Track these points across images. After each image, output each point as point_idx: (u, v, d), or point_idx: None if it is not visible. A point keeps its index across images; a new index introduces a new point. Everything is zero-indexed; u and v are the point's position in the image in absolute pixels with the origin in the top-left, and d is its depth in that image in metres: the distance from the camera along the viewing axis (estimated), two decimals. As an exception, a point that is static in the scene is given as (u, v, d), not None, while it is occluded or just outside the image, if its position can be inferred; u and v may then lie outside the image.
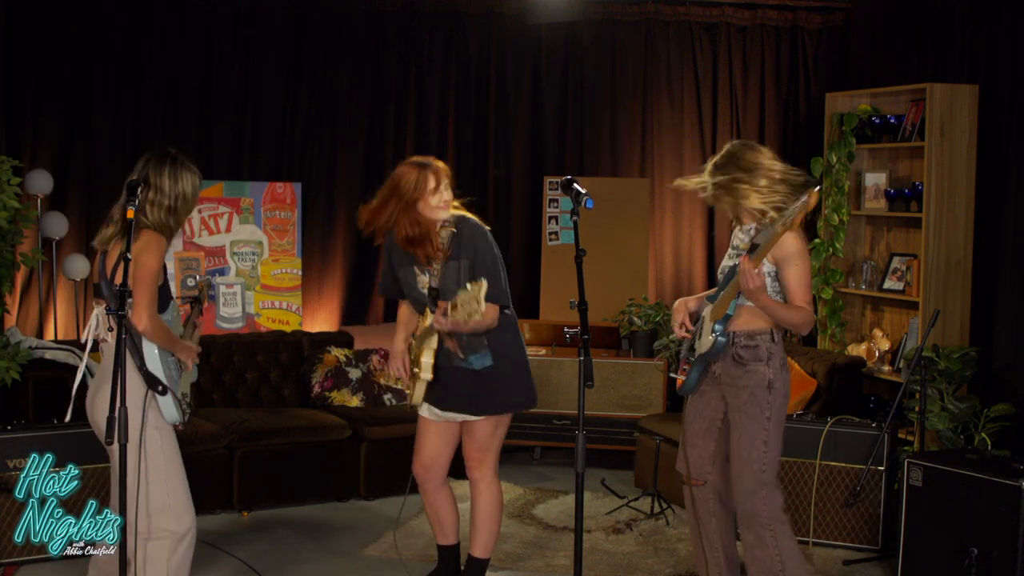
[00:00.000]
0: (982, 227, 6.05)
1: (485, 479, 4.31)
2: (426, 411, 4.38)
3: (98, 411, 3.73)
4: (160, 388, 3.65)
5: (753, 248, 3.86)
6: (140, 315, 3.61)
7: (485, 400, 4.24)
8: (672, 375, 4.42)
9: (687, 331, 4.12)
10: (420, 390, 4.24)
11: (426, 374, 4.17)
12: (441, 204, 4.15)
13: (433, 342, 4.18)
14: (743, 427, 3.98)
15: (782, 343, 4.04)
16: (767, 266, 3.94)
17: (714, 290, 4.14)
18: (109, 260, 3.75)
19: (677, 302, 4.23)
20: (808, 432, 5.18)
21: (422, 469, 4.42)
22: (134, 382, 3.58)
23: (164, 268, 3.81)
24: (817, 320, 6.80)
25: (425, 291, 4.23)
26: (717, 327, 3.96)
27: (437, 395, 4.29)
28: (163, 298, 3.77)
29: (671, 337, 6.43)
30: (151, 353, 3.68)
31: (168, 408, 3.73)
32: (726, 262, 4.10)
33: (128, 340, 3.58)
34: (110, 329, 3.72)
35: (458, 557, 4.57)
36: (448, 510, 4.49)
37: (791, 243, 3.87)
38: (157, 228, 3.73)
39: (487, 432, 4.28)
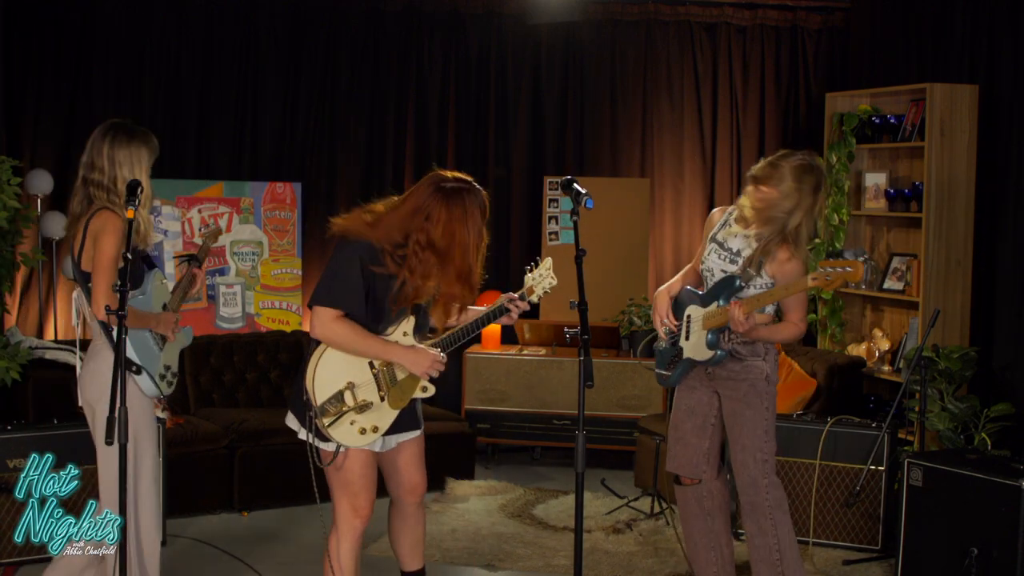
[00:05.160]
0: (982, 227, 6.05)
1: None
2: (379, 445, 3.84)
3: (87, 387, 3.73)
4: (133, 368, 3.63)
5: (742, 276, 3.88)
6: (98, 303, 3.57)
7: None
8: (655, 369, 4.24)
9: (672, 325, 4.06)
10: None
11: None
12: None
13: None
14: (746, 417, 3.98)
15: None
16: (765, 278, 3.92)
17: (691, 289, 4.10)
18: (75, 242, 3.71)
19: (659, 292, 4.15)
20: (808, 432, 5.17)
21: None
22: (109, 360, 3.53)
23: (136, 247, 3.65)
24: (817, 320, 6.80)
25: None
26: (711, 337, 3.91)
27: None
28: (136, 276, 3.71)
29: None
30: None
31: (145, 383, 3.73)
32: (717, 262, 4.01)
33: (99, 321, 3.60)
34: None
35: None
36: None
37: (798, 269, 3.88)
38: (109, 207, 3.66)
39: None
